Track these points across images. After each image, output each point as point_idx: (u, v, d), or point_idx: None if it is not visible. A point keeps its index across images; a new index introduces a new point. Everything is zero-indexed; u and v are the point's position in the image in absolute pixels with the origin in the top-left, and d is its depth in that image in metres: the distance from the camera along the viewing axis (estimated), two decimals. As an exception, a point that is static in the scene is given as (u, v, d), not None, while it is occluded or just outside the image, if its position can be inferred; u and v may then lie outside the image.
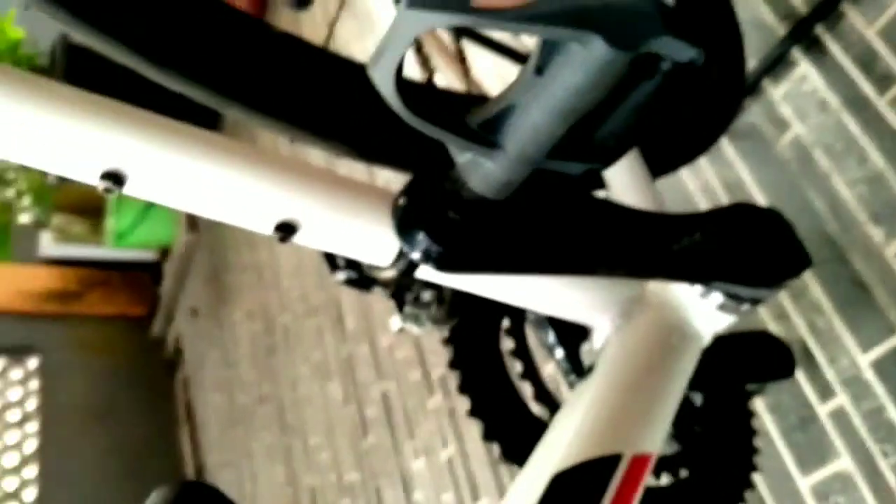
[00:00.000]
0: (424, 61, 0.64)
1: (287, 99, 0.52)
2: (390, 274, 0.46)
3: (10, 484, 3.15)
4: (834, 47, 0.91)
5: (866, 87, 0.87)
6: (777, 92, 0.97)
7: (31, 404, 3.38)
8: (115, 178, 0.37)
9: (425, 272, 0.46)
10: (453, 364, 0.51)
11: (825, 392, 0.89)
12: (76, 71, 2.87)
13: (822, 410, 0.89)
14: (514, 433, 0.51)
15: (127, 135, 0.37)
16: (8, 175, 3.35)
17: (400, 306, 0.51)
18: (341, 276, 0.50)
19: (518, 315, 0.58)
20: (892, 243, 0.84)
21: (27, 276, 3.79)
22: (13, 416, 3.31)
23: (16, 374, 3.57)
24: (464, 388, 0.51)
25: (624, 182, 0.55)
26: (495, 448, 0.51)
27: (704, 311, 0.50)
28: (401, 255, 0.44)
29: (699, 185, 1.00)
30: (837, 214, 0.89)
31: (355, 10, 2.10)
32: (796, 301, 0.93)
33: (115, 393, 3.57)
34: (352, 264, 0.50)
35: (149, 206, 3.78)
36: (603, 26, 0.27)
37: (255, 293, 2.73)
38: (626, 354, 0.47)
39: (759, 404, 0.96)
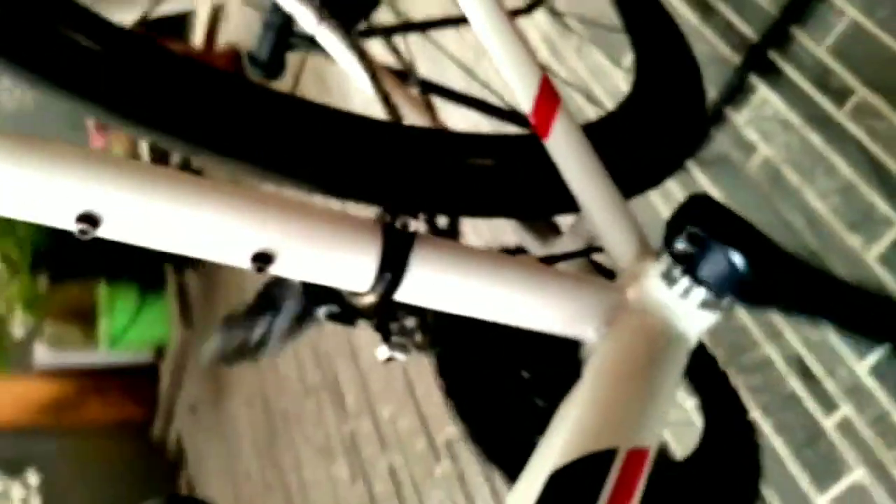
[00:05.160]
0: (392, 110, 0.66)
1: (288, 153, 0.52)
2: (369, 301, 0.46)
3: None
4: (789, 69, 0.94)
5: (825, 103, 0.90)
6: (740, 118, 1.00)
7: (34, 523, 3.29)
8: (90, 219, 0.38)
9: (404, 295, 0.46)
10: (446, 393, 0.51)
11: (828, 405, 0.88)
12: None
13: (829, 424, 0.88)
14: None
15: (99, 177, 0.38)
16: (-1, 288, 3.36)
17: (386, 336, 0.51)
18: (323, 310, 0.50)
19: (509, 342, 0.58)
20: (871, 248, 0.85)
21: (23, 389, 3.75)
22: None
23: (17, 492, 3.49)
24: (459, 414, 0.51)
25: (595, 200, 0.57)
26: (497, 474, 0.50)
27: (686, 311, 0.50)
28: (378, 279, 0.45)
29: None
30: (814, 227, 0.90)
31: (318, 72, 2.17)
32: (788, 317, 0.93)
33: (119, 502, 3.48)
34: (332, 297, 0.50)
35: (141, 307, 3.78)
36: None
37: (252, 380, 2.70)
38: (612, 357, 0.47)
39: (765, 428, 0.95)
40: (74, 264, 3.55)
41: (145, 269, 3.75)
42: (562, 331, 0.50)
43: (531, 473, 0.40)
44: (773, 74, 0.96)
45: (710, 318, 0.51)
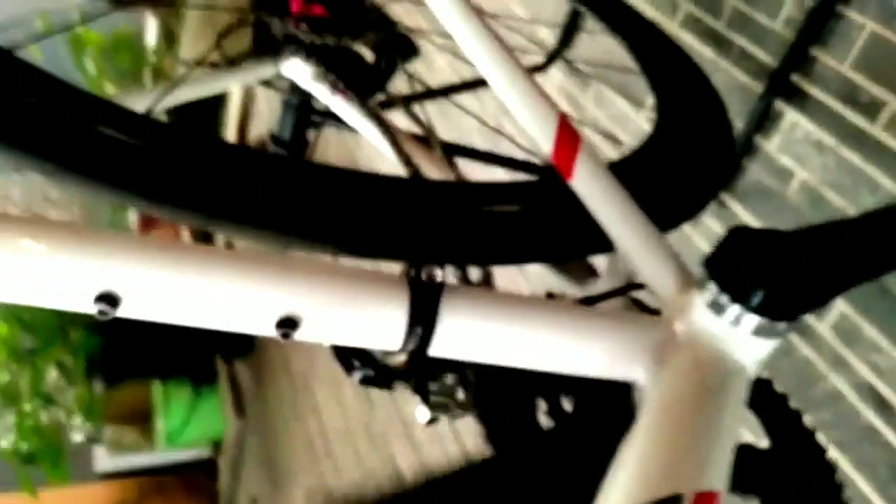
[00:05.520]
0: (414, 169, 0.65)
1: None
2: (402, 359, 0.44)
3: None
4: (814, 90, 0.92)
5: (857, 119, 0.87)
6: (771, 145, 0.98)
7: None
8: (109, 299, 0.38)
9: (438, 349, 0.45)
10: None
11: (909, 433, 0.82)
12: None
13: (912, 453, 0.82)
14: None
15: (114, 256, 0.38)
16: (56, 395, 3.41)
17: (425, 397, 0.49)
18: (358, 375, 0.49)
19: (553, 391, 0.55)
20: (929, 262, 0.80)
21: (86, 495, 3.76)
22: None
23: None
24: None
25: (628, 234, 0.55)
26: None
27: (740, 339, 0.47)
28: (409, 334, 0.43)
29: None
30: (866, 247, 0.86)
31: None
32: (851, 346, 0.88)
33: None
34: (366, 360, 0.49)
35: (195, 402, 3.80)
36: None
37: (309, 468, 2.66)
38: (668, 395, 0.44)
39: (844, 465, 0.89)
40: (128, 367, 3.60)
41: (197, 365, 3.78)
42: (610, 373, 0.48)
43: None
44: (798, 98, 0.94)
45: (767, 345, 0.48)
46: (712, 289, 0.47)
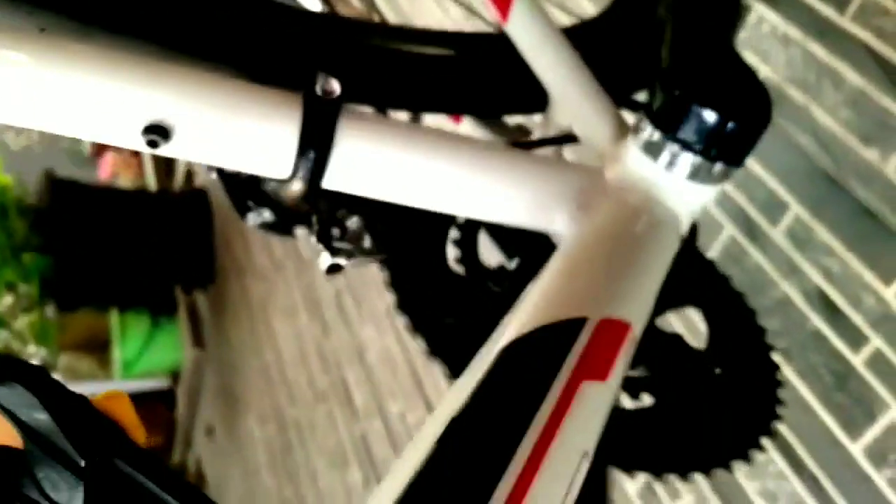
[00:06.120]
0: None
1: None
2: (296, 191, 0.39)
3: None
4: (784, -19, 0.87)
5: (825, 10, 0.82)
6: (737, 40, 0.93)
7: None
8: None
9: (333, 180, 0.40)
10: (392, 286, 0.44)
11: (856, 339, 0.80)
12: (60, 202, 2.91)
13: (858, 360, 0.80)
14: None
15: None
16: (8, 320, 3.33)
17: (328, 243, 0.44)
18: (253, 218, 0.44)
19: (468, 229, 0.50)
20: (890, 160, 0.77)
21: (39, 422, 3.71)
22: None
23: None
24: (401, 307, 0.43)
25: (563, 81, 0.49)
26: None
27: (674, 185, 0.43)
28: (300, 158, 0.38)
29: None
30: (825, 146, 0.82)
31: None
32: (803, 250, 0.85)
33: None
34: (260, 198, 0.43)
35: (153, 332, 3.73)
36: None
37: (264, 395, 2.63)
38: (587, 235, 0.40)
39: (788, 373, 0.87)
40: (84, 293, 3.52)
41: (155, 294, 3.71)
42: (528, 220, 0.43)
43: (485, 352, 0.32)
44: (767, -10, 0.89)
45: (702, 194, 0.43)
46: (647, 128, 0.43)
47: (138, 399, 3.92)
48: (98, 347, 3.79)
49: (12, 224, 3.11)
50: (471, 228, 0.48)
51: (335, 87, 0.38)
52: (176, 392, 3.86)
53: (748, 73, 0.44)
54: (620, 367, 0.32)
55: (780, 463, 0.87)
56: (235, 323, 3.06)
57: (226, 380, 3.16)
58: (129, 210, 3.29)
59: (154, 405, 3.91)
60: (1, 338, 3.40)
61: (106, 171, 4.46)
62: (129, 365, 3.69)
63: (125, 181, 4.31)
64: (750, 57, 0.91)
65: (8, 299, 3.40)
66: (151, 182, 4.11)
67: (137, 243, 3.24)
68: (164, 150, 0.36)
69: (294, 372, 2.35)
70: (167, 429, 3.83)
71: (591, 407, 0.28)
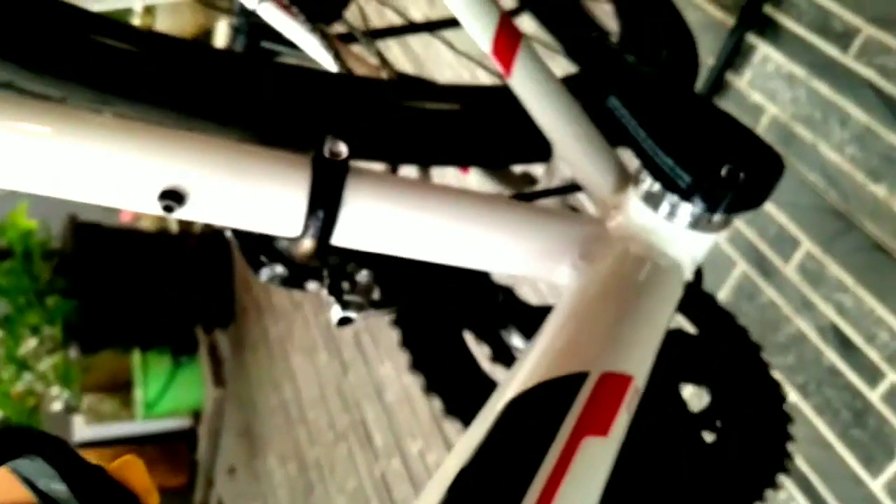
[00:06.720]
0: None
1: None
2: (307, 248, 0.41)
3: None
4: (787, 21, 0.88)
5: (829, 48, 0.84)
6: (742, 81, 0.94)
7: None
8: None
9: (342, 237, 0.41)
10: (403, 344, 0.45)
11: (873, 375, 0.79)
12: (84, 245, 2.96)
13: (875, 396, 0.79)
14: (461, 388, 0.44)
15: None
16: (32, 363, 3.37)
17: (338, 296, 0.45)
18: (266, 273, 0.45)
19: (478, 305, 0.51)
20: (898, 195, 0.77)
21: (62, 464, 3.72)
22: None
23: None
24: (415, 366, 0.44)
25: (566, 133, 0.51)
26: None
27: (675, 234, 0.44)
28: (310, 218, 0.40)
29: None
30: (834, 182, 0.83)
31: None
32: (816, 285, 0.85)
33: (164, 574, 3.40)
34: (272, 254, 0.45)
35: (175, 372, 3.76)
36: None
37: (284, 434, 2.63)
38: (589, 285, 0.40)
39: (806, 410, 0.86)
40: (106, 335, 3.56)
41: (177, 335, 3.74)
42: (531, 271, 0.44)
43: (490, 403, 0.33)
44: (770, 29, 0.90)
45: (704, 242, 0.44)
46: (647, 180, 0.44)
47: (160, 439, 3.94)
48: (121, 388, 3.82)
49: (37, 268, 3.17)
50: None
51: (342, 148, 0.40)
52: (198, 431, 3.87)
53: (741, 129, 0.45)
54: (622, 420, 0.33)
55: (802, 501, 0.86)
56: (255, 362, 3.08)
57: (246, 419, 3.17)
58: (150, 252, 3.34)
59: (176, 445, 3.92)
60: (25, 380, 3.43)
61: (128, 215, 4.54)
62: (151, 405, 3.71)
63: (147, 224, 4.39)
64: (756, 96, 0.92)
65: (32, 342, 3.45)
66: (173, 224, 4.18)
67: (159, 284, 3.28)
68: (180, 214, 0.38)
69: (314, 411, 2.36)
70: (189, 468, 3.83)
71: (593, 463, 0.29)
